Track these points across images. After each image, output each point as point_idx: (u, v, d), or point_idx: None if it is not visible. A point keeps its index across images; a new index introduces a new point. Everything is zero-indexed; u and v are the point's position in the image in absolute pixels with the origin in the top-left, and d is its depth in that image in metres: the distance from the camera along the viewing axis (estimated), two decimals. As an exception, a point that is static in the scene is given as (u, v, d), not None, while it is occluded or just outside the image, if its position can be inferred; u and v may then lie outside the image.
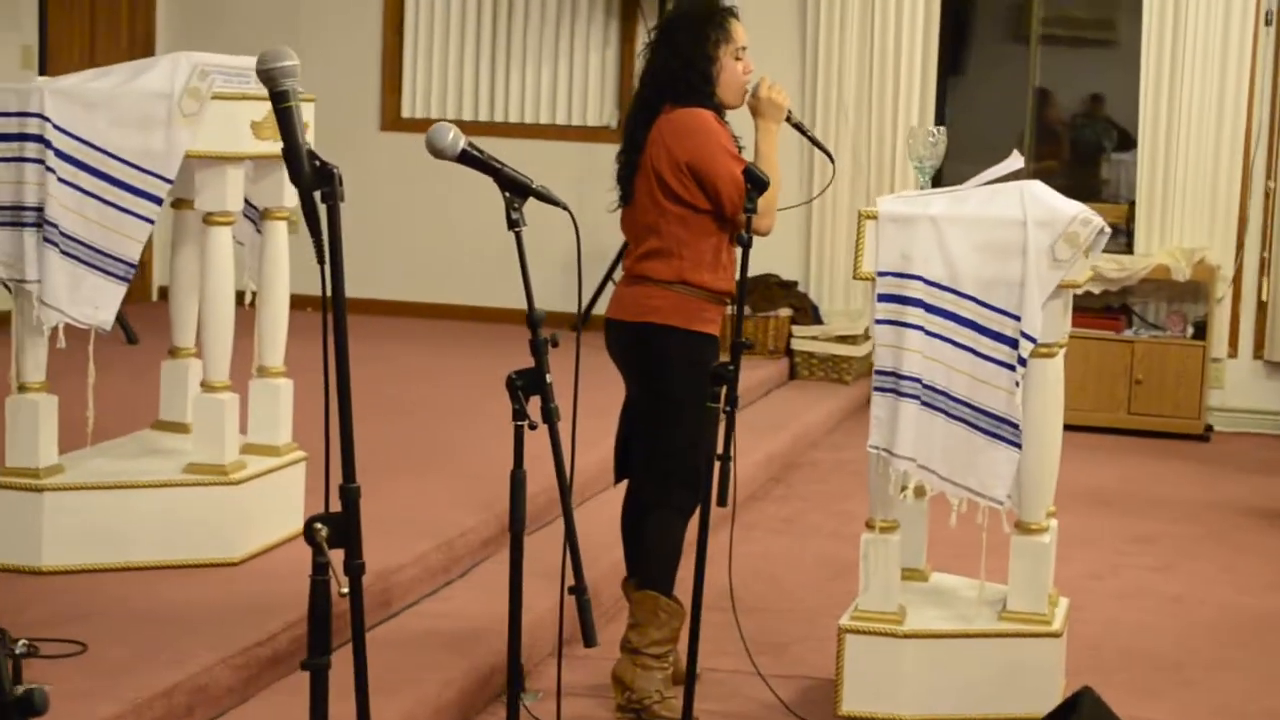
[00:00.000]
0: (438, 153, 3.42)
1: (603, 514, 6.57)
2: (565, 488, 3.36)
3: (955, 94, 11.95)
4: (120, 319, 8.88)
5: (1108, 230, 4.96)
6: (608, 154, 10.16)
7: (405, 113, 10.90)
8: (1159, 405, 9.53)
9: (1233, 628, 6.16)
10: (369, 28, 10.98)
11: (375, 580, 5.13)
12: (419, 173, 9.87)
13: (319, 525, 2.80)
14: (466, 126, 10.54)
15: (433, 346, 9.63)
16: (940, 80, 10.60)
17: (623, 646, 5.02)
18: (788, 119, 5.05)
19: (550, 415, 3.31)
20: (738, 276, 4.70)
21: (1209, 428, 9.71)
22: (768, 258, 9.99)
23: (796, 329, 9.99)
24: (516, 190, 3.41)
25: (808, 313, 10.09)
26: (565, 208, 3.48)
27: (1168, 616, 6.26)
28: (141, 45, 10.51)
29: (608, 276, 10.03)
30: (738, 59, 4.96)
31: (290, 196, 5.37)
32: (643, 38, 10.27)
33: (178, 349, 5.56)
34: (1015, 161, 5.07)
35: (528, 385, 3.34)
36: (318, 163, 2.77)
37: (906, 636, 4.87)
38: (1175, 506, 7.97)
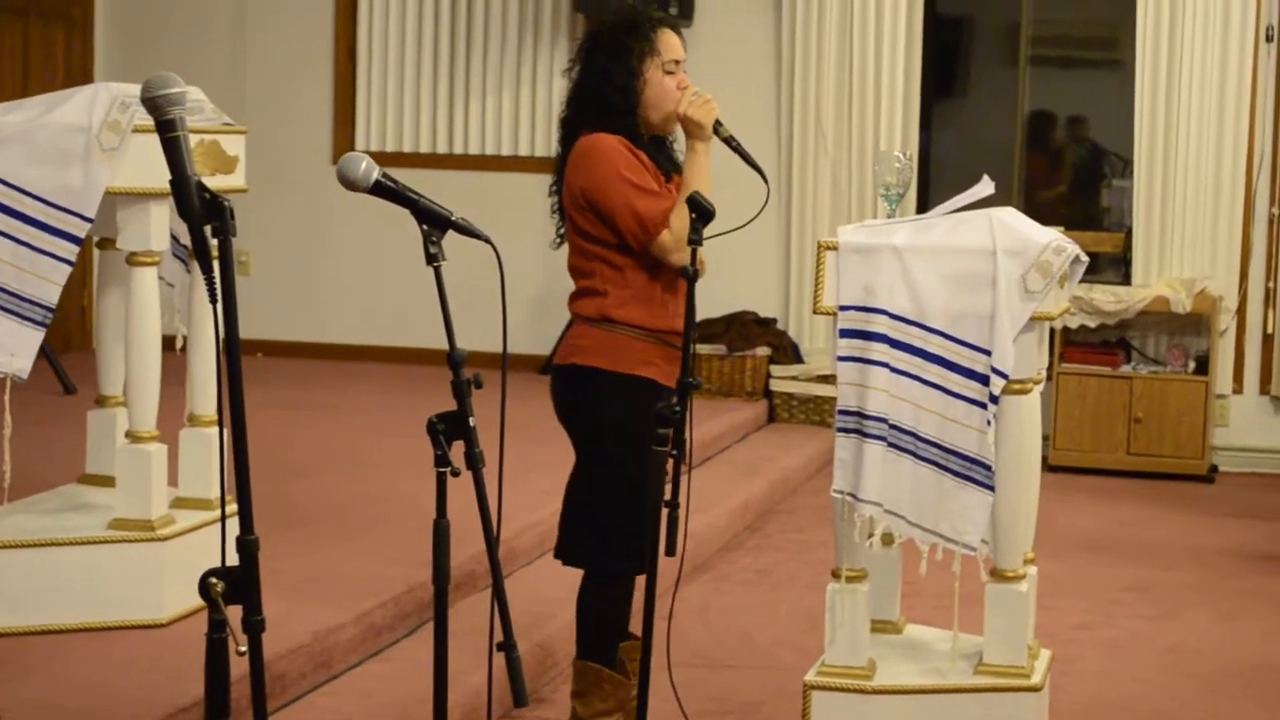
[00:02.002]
0: (350, 184, 3.40)
1: (560, 568, 6.56)
2: (491, 538, 3.33)
3: (945, 118, 11.99)
4: (55, 368, 8.92)
5: (1084, 259, 4.95)
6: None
7: (359, 145, 10.93)
8: (1160, 445, 9.52)
9: (1228, 680, 6.14)
10: (321, 57, 11.04)
11: (314, 641, 5.14)
12: (375, 207, 9.88)
13: (214, 580, 2.78)
14: (424, 159, 10.72)
15: (390, 391, 9.62)
16: (928, 104, 10.63)
17: (571, 716, 4.99)
18: (716, 133, 4.82)
19: (474, 461, 3.29)
20: (676, 320, 4.68)
21: (1213, 468, 9.72)
22: (744, 294, 10.03)
23: (775, 369, 10.00)
24: (435, 223, 3.39)
25: (787, 351, 10.10)
26: (488, 241, 3.46)
27: (1160, 669, 6.25)
28: (79, 78, 10.50)
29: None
30: (669, 73, 4.78)
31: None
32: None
33: (105, 398, 5.55)
34: (985, 188, 5.05)
35: (450, 429, 3.32)
36: (208, 195, 2.76)
37: (876, 692, 4.82)
38: (1174, 552, 7.96)
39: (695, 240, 4.42)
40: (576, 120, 4.86)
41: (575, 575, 6.41)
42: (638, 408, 4.63)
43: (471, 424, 3.30)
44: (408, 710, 4.96)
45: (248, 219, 10.37)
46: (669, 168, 4.90)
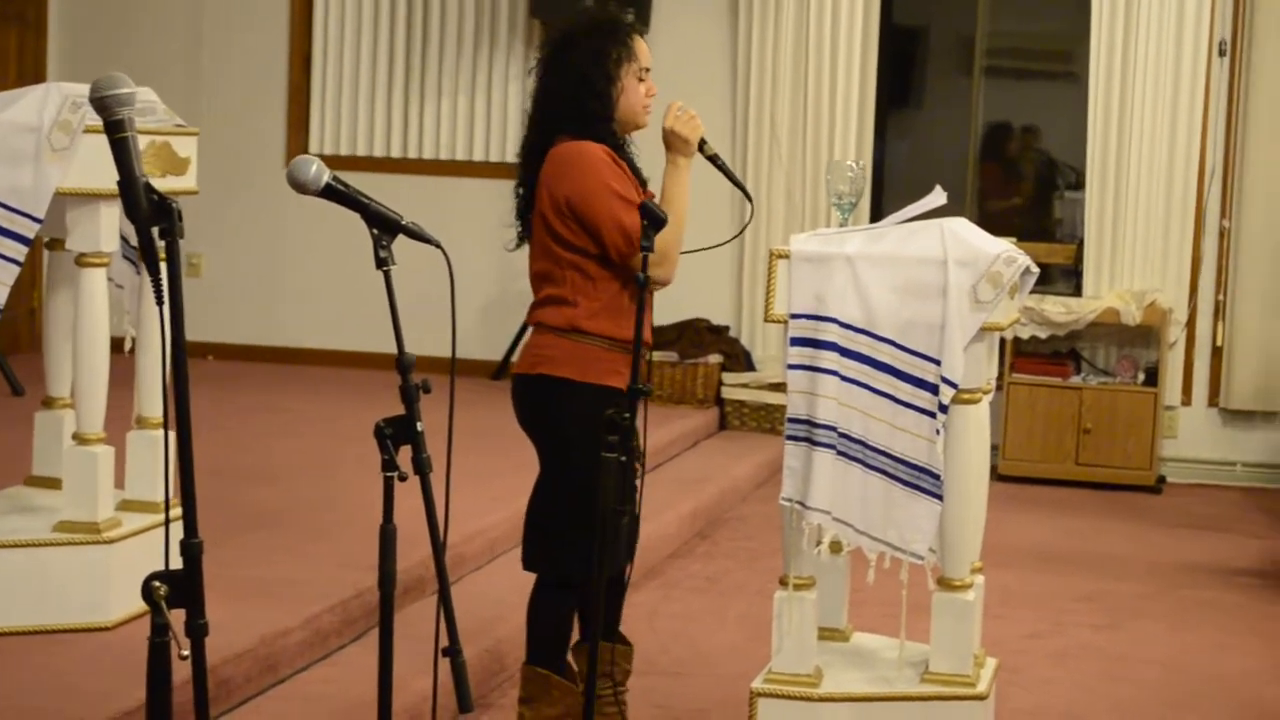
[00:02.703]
0: (300, 187, 3.39)
1: (509, 573, 6.56)
2: (438, 543, 3.32)
3: (901, 128, 12.02)
4: (3, 369, 8.87)
5: (1035, 270, 4.97)
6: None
7: (313, 148, 10.90)
8: (1109, 456, 9.57)
9: (1175, 690, 6.18)
10: (275, 60, 11.02)
11: (260, 645, 5.12)
12: (329, 211, 9.86)
13: (157, 583, 2.77)
14: (378, 163, 10.70)
15: (343, 395, 9.60)
16: (884, 114, 10.65)
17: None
18: (701, 151, 4.82)
19: (421, 466, 3.28)
20: (651, 320, 4.70)
21: (1161, 479, 9.77)
22: (697, 302, 10.03)
23: (727, 376, 10.01)
24: (385, 227, 3.38)
25: (739, 359, 10.11)
26: (438, 245, 3.45)
27: (1108, 679, 6.27)
28: (31, 78, 10.45)
29: (526, 324, 10.02)
30: (641, 80, 4.79)
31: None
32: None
33: (52, 399, 5.53)
34: (937, 198, 5.06)
35: (397, 434, 3.31)
36: (155, 197, 2.75)
37: (822, 700, 4.84)
38: (1123, 562, 8.00)
39: (646, 247, 4.42)
40: (551, 127, 4.81)
41: (526, 581, 6.41)
42: (598, 416, 4.54)
43: (419, 429, 3.29)
44: (354, 715, 4.95)
45: (201, 221, 10.39)
46: (639, 175, 4.89)
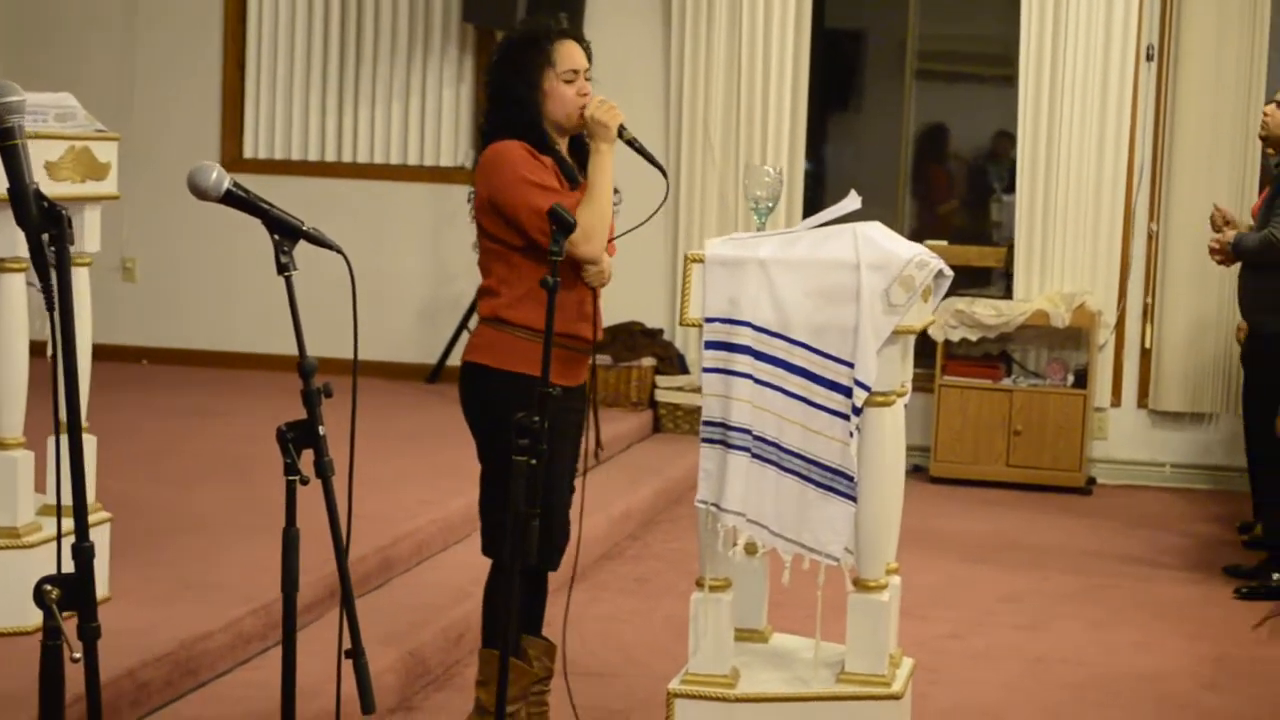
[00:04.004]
0: (200, 194, 3.40)
1: (437, 575, 6.60)
2: (341, 547, 3.34)
3: (839, 131, 12.06)
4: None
5: (948, 273, 5.00)
6: (461, 195, 10.24)
7: (247, 152, 10.89)
8: (1038, 457, 9.63)
9: (1095, 689, 6.23)
10: (209, 64, 10.99)
11: (180, 649, 5.13)
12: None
13: (49, 586, 2.78)
14: (313, 167, 10.69)
15: (276, 398, 9.54)
16: (822, 117, 10.69)
17: (476, 704, 5.05)
18: (620, 136, 4.96)
19: (323, 470, 3.30)
20: (599, 319, 4.89)
21: (1091, 480, 9.84)
22: (631, 305, 10.05)
23: (660, 379, 10.05)
24: (286, 233, 3.39)
25: (673, 362, 10.15)
26: (339, 251, 3.46)
27: (1028, 678, 6.32)
28: (-36, 83, 10.42)
29: (462, 326, 10.06)
30: (568, 82, 4.92)
31: (91, 241, 5.37)
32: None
33: (-28, 406, 5.51)
34: (852, 202, 5.07)
35: (300, 438, 3.32)
36: (45, 204, 2.77)
37: (738, 700, 4.87)
38: (1050, 563, 8.06)
39: (555, 252, 4.45)
40: (490, 134, 4.98)
41: (453, 583, 6.49)
42: (523, 404, 4.54)
43: (321, 433, 3.31)
44: (274, 719, 4.95)
45: (135, 225, 10.39)
46: (576, 174, 4.98)
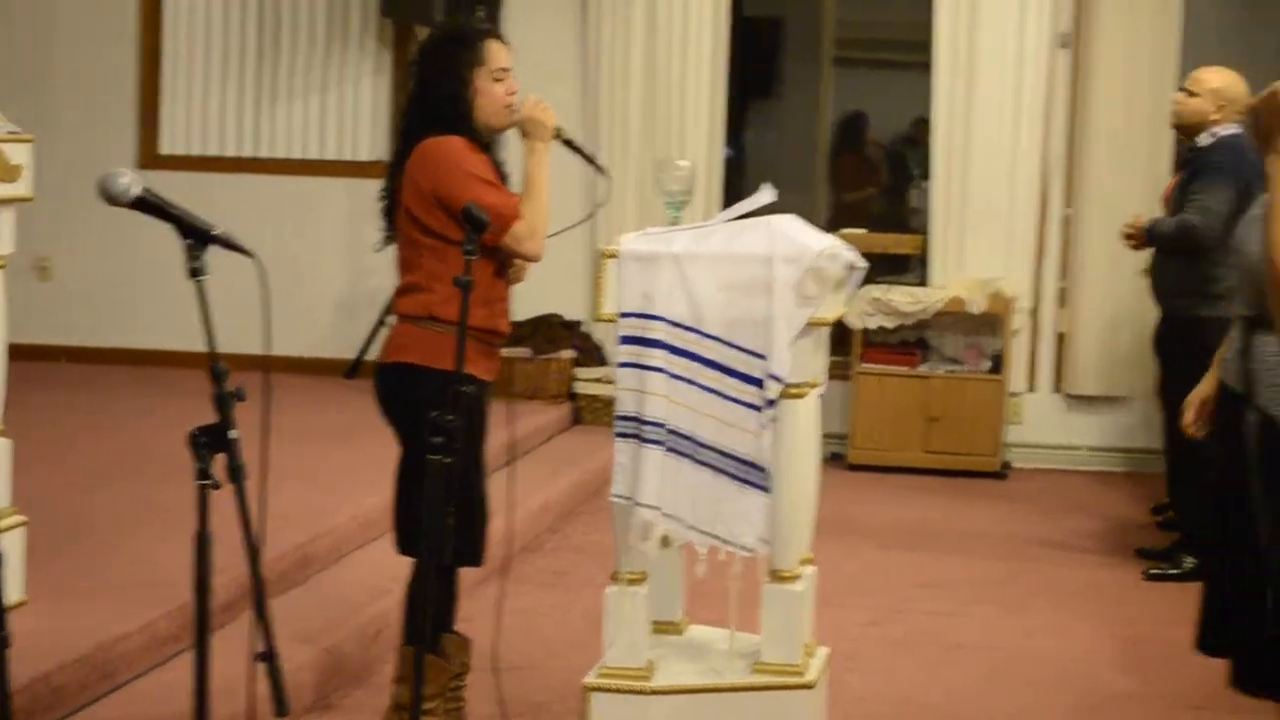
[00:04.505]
0: (111, 200, 3.41)
1: (354, 573, 6.59)
2: (254, 550, 3.34)
3: (760, 118, 12.08)
4: None
5: (861, 264, 5.03)
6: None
7: (164, 149, 10.82)
8: (956, 442, 9.70)
9: (1010, 673, 6.29)
10: (123, 58, 10.92)
11: (96, 651, 5.10)
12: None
13: (-44, 596, 2.78)
14: (230, 163, 10.63)
15: (196, 396, 9.50)
16: (743, 105, 10.71)
17: (393, 699, 5.08)
18: (557, 136, 5.02)
19: (236, 474, 3.30)
20: (509, 312, 4.97)
21: (1007, 464, 9.92)
22: (550, 297, 10.06)
23: (580, 371, 10.06)
24: (197, 237, 3.40)
25: (592, 354, 10.16)
26: (251, 255, 3.46)
27: (946, 664, 6.37)
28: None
29: (380, 321, 10.05)
30: (498, 80, 4.94)
31: (4, 243, 5.34)
32: (416, 66, 10.32)
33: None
34: (765, 195, 5.10)
35: (212, 442, 3.33)
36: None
37: (654, 693, 4.90)
38: (967, 549, 8.11)
39: (469, 251, 4.45)
40: (415, 129, 4.97)
41: (371, 581, 6.48)
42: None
43: (233, 436, 3.31)
44: None
45: (51, 224, 10.31)
46: (507, 173, 5.05)
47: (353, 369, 10.26)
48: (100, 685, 5.07)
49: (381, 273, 10.06)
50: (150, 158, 10.75)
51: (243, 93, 10.79)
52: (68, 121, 10.59)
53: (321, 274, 10.53)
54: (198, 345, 11.28)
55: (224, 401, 3.34)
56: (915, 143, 11.63)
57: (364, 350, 10.22)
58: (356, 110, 10.67)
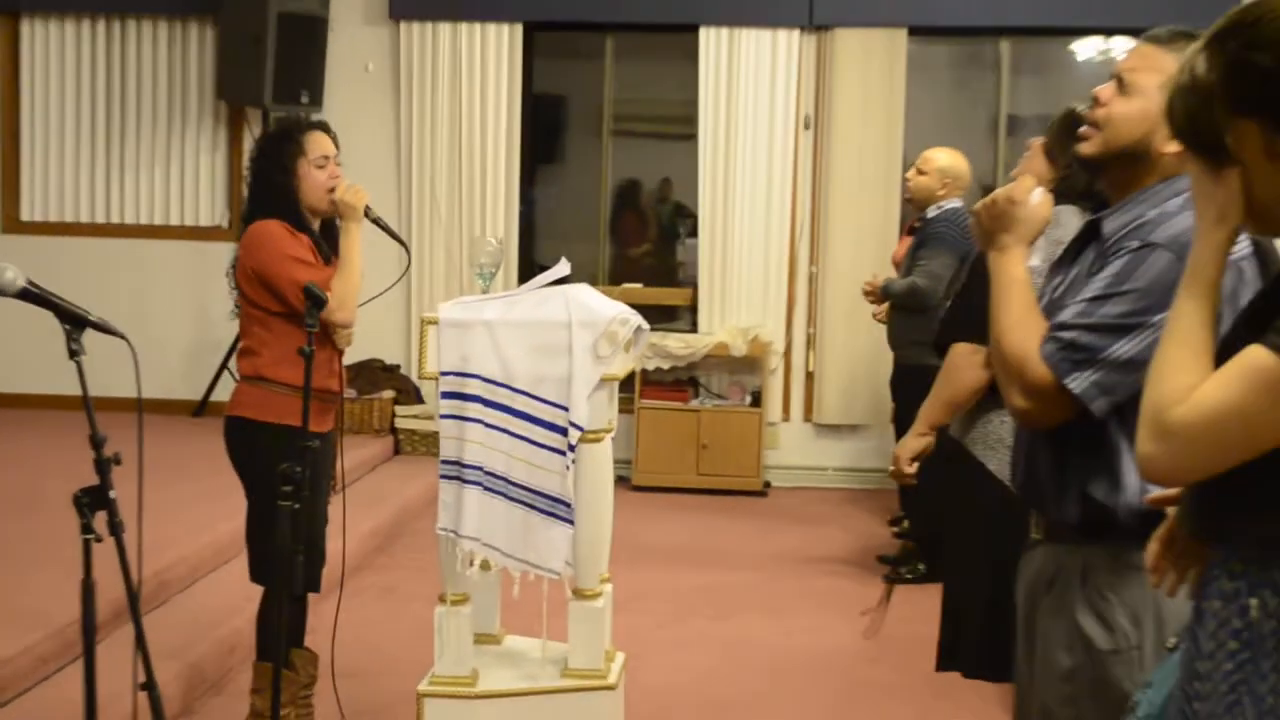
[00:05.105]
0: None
1: (209, 593, 6.53)
2: (133, 595, 3.34)
3: (548, 180, 12.11)
4: None
5: (646, 327, 5.11)
6: (219, 251, 10.10)
7: (24, 215, 10.62)
8: (723, 466, 9.81)
9: (776, 668, 6.39)
10: (-13, 137, 10.71)
11: (-13, 671, 5.04)
12: (41, 276, 9.67)
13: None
14: (85, 229, 10.43)
15: (55, 434, 9.35)
16: (533, 169, 10.76)
17: (251, 709, 5.07)
18: (366, 215, 5.03)
19: (116, 529, 3.30)
20: (342, 371, 4.95)
21: (767, 484, 10.04)
22: (371, 345, 10.04)
23: (399, 409, 10.04)
24: (75, 323, 3.39)
25: (410, 394, 10.15)
26: (123, 337, 3.46)
27: (722, 661, 6.46)
28: None
29: (223, 365, 9.96)
30: (319, 168, 4.96)
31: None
32: (248, 142, 10.23)
33: None
34: (563, 268, 5.16)
35: (93, 501, 3.32)
36: None
37: (479, 697, 4.93)
38: (735, 558, 8.20)
39: (311, 325, 4.46)
40: (251, 213, 5.00)
41: (222, 601, 6.43)
42: (286, 450, 4.59)
43: (111, 497, 3.30)
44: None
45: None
46: (330, 250, 5.03)
47: (199, 408, 10.15)
48: (-9, 702, 5.02)
49: (222, 326, 9.98)
50: (13, 223, 10.54)
51: (94, 166, 10.61)
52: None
53: (170, 325, 10.39)
54: (53, 389, 11.00)
55: (103, 466, 3.33)
56: (664, 200, 11.75)
57: (208, 392, 10.11)
58: (197, 181, 10.56)
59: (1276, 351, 2.11)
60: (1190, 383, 2.20)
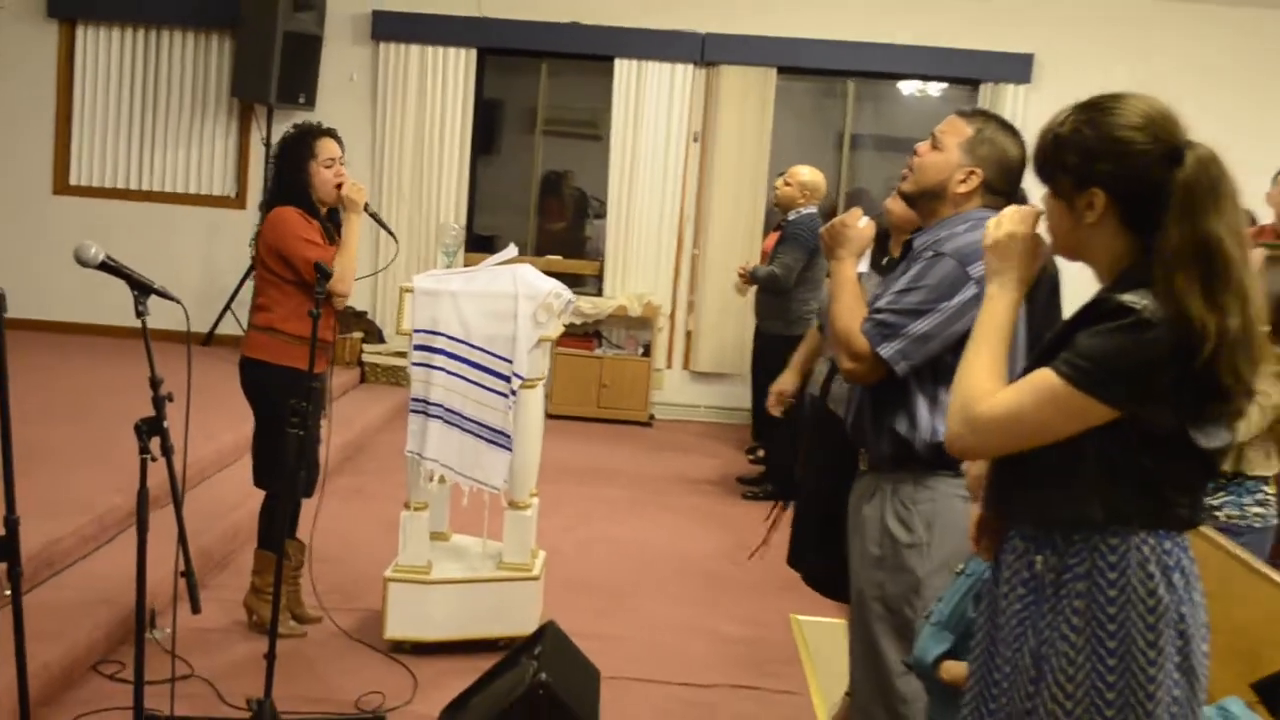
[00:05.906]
0: (83, 263, 3.36)
1: (216, 491, 6.50)
2: (178, 502, 3.35)
3: (489, 169, 12.06)
4: None
5: (574, 300, 5.18)
6: (228, 216, 9.98)
7: (73, 180, 10.42)
8: (619, 402, 9.84)
9: (663, 565, 6.43)
10: (43, 108, 10.45)
11: (42, 549, 4.99)
12: (85, 230, 9.57)
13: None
14: (120, 193, 10.24)
15: (96, 361, 9.24)
16: (475, 159, 10.72)
17: (252, 585, 5.08)
18: (365, 209, 4.99)
19: (168, 452, 3.32)
20: (335, 324, 4.95)
21: (652, 417, 10.08)
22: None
23: (366, 346, 9.98)
24: (143, 290, 3.39)
25: (375, 335, 10.10)
26: (178, 301, 3.46)
27: (619, 558, 6.49)
28: None
29: (226, 307, 9.87)
30: (327, 167, 4.92)
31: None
32: (255, 132, 10.11)
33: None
34: (511, 251, 5.20)
35: (150, 429, 3.33)
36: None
37: (432, 583, 4.98)
38: (627, 476, 8.22)
39: (320, 293, 4.45)
40: (269, 200, 4.99)
41: (228, 497, 6.38)
42: (288, 387, 4.62)
43: (165, 426, 3.32)
44: (117, 592, 4.86)
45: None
46: (334, 232, 5.01)
47: (207, 339, 10.05)
48: (43, 573, 4.97)
49: (228, 274, 9.91)
50: (63, 185, 10.34)
51: (130, 144, 10.41)
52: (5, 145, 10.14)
53: (185, 272, 10.27)
54: (101, 317, 10.72)
55: (159, 402, 3.34)
56: (593, 194, 11.73)
57: (214, 326, 10.01)
58: (213, 160, 10.39)
59: (1059, 375, 2.22)
60: (990, 387, 2.31)
